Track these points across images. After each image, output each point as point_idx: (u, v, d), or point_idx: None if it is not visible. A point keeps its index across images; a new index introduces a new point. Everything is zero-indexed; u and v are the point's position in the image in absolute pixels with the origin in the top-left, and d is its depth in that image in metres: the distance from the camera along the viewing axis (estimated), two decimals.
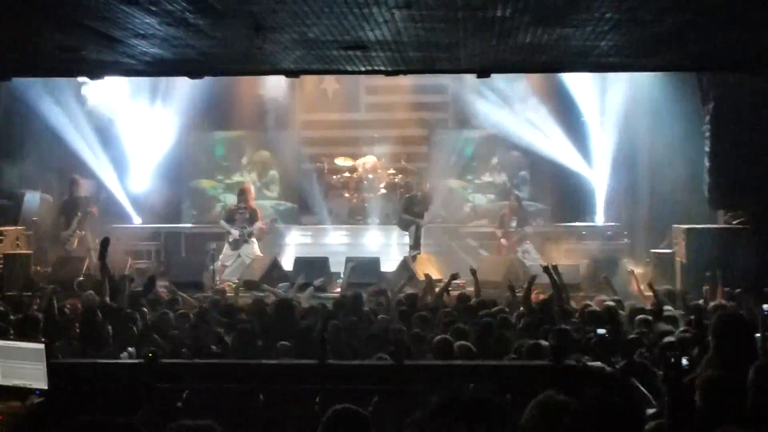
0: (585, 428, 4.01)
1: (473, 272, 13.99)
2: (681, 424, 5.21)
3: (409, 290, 13.96)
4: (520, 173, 21.55)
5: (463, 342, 9.09)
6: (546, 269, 13.04)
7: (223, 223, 18.65)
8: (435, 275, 16.65)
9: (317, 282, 15.39)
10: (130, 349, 9.58)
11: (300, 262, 17.65)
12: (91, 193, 19.51)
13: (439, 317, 11.12)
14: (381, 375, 8.36)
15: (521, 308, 11.82)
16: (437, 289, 13.49)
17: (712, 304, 11.67)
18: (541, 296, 13.23)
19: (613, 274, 15.23)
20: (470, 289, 14.22)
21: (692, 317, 10.06)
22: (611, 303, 11.77)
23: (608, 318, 10.70)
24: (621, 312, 11.35)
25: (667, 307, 11.46)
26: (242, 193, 18.80)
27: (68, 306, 12.05)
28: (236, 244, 18.28)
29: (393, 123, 22.33)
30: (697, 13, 9.76)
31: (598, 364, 8.19)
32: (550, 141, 20.43)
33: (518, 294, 13.05)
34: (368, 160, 22.06)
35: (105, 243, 12.03)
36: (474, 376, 7.98)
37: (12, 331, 9.86)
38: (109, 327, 10.08)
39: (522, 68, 14.90)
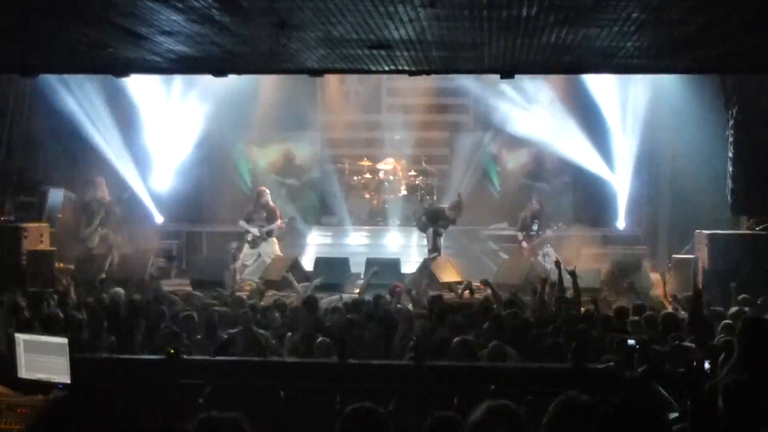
0: (607, 430, 3.99)
1: (486, 283, 13.96)
2: (703, 428, 5.18)
3: (431, 292, 14.06)
4: (542, 176, 21.39)
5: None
6: (557, 263, 13.60)
7: (242, 223, 18.67)
8: (455, 278, 16.68)
9: (316, 282, 15.38)
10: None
11: (320, 263, 17.67)
12: (113, 193, 19.53)
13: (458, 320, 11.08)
14: (401, 375, 8.38)
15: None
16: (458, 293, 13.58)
17: (732, 310, 11.63)
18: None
19: (635, 278, 15.17)
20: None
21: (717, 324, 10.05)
22: (621, 306, 11.74)
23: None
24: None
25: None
26: (259, 195, 18.82)
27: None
28: (255, 243, 18.31)
29: (414, 125, 22.34)
30: (724, 14, 9.68)
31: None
32: (572, 143, 20.36)
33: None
34: (389, 162, 22.05)
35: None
36: (495, 378, 7.98)
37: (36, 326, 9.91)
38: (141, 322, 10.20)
39: (546, 69, 14.82)
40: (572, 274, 12.99)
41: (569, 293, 12.98)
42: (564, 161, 20.57)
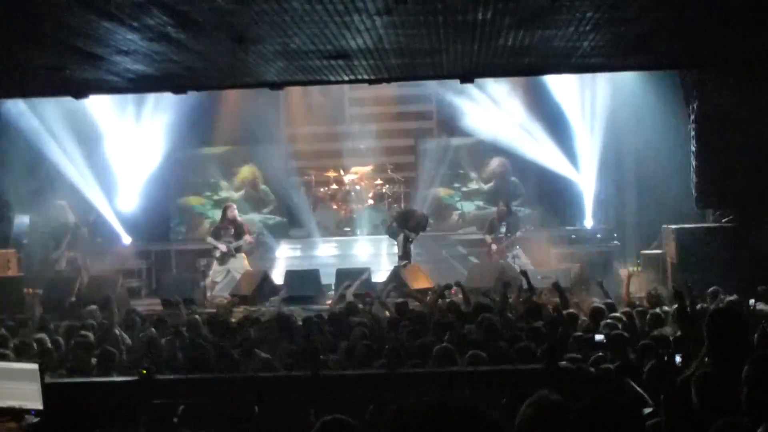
0: (581, 429, 3.97)
1: (459, 285, 14.08)
2: (677, 422, 5.19)
3: (397, 297, 14.10)
4: (510, 180, 21.55)
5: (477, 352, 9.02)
6: (523, 273, 13.72)
7: (210, 239, 18.61)
8: (426, 284, 16.69)
9: (283, 294, 15.39)
10: None
11: (291, 275, 17.62)
12: (80, 215, 19.41)
13: (429, 324, 11.08)
14: (376, 384, 8.33)
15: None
16: (428, 298, 13.58)
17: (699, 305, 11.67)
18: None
19: (605, 277, 15.22)
20: (461, 297, 14.15)
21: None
22: (601, 305, 11.72)
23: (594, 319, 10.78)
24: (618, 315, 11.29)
25: (662, 309, 11.45)
26: (225, 210, 18.79)
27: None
28: (224, 259, 18.25)
29: (378, 134, 22.41)
30: (678, 11, 9.76)
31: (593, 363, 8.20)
32: (536, 146, 20.46)
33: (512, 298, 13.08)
34: (355, 172, 22.06)
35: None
36: (469, 382, 7.96)
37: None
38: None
39: (505, 71, 14.91)
40: (523, 273, 13.53)
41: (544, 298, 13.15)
42: (529, 163, 20.65)
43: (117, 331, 11.32)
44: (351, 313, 12.50)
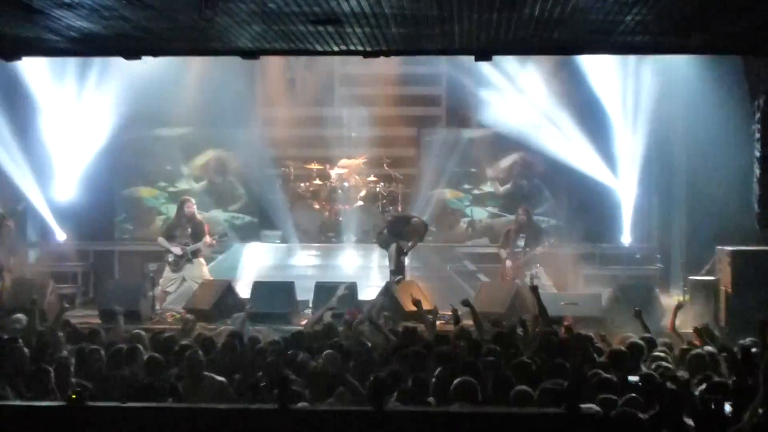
0: None
1: (467, 304, 13.95)
2: None
3: (388, 320, 14.16)
4: (531, 182, 21.55)
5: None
6: (533, 288, 13.88)
7: (161, 240, 18.53)
8: (423, 305, 16.58)
9: (249, 310, 15.31)
10: None
11: (259, 288, 17.49)
12: (5, 205, 19.33)
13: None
14: (357, 423, 8.27)
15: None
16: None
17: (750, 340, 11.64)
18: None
19: (644, 305, 15.16)
20: (468, 322, 14.08)
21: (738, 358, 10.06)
22: (640, 341, 11.68)
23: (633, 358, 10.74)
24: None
25: (708, 348, 11.41)
26: (182, 205, 18.73)
27: None
28: (178, 265, 18.16)
29: (374, 120, 22.36)
30: None
31: (622, 410, 8.15)
32: (566, 142, 20.47)
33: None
34: (343, 165, 22.02)
35: None
36: (474, 425, 7.91)
37: None
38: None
39: (530, 49, 14.88)
40: (533, 290, 13.64)
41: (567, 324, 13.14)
42: (557, 163, 20.64)
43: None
44: (328, 336, 12.50)
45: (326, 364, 10.48)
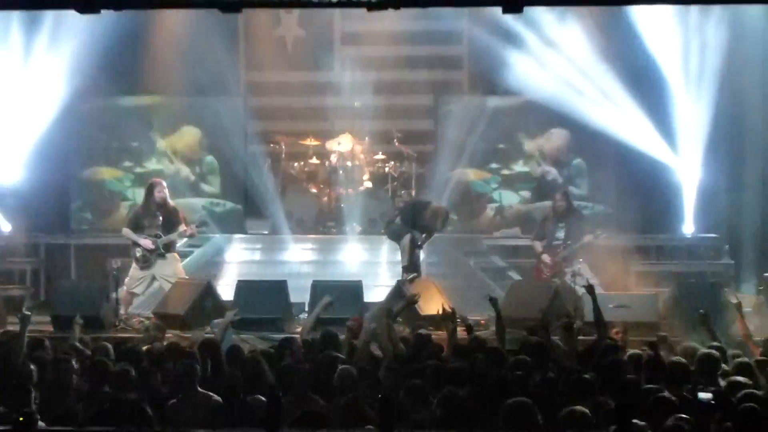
0: None
1: (493, 302, 13.78)
2: None
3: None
4: (572, 161, 21.52)
5: None
6: (589, 289, 13.57)
7: (127, 231, 18.34)
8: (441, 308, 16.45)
9: (230, 315, 15.10)
10: None
11: (245, 288, 17.39)
12: None
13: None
14: None
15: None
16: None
17: None
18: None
19: (711, 308, 15.03)
20: (493, 329, 13.98)
21: None
22: (709, 351, 11.53)
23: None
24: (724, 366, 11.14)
25: None
26: (151, 189, 18.53)
27: None
28: (147, 261, 17.99)
29: (382, 87, 22.37)
30: None
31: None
32: (614, 112, 20.37)
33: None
34: (345, 142, 21.94)
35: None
36: None
37: None
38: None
39: None
40: (589, 289, 13.42)
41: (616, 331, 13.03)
42: (603, 137, 20.51)
43: None
44: (327, 346, 12.36)
45: (340, 383, 10.33)
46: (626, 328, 13.82)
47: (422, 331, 14.00)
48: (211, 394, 10.28)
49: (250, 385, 10.57)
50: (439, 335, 13.76)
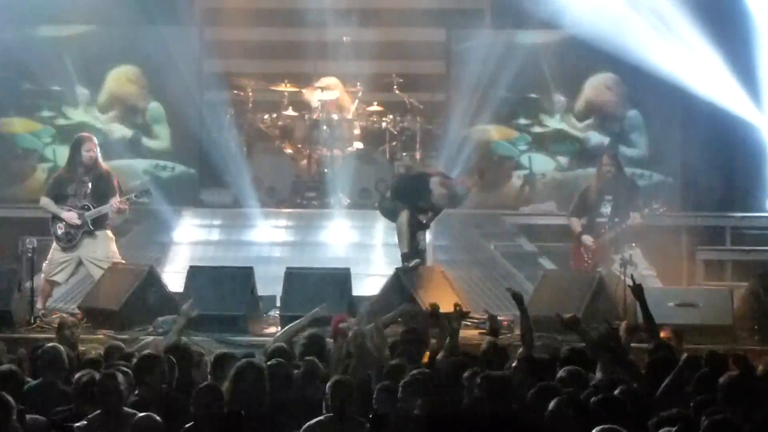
0: None
1: (517, 298, 13.86)
2: None
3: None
4: (625, 115, 21.68)
5: None
6: (636, 290, 13.22)
7: (46, 201, 18.43)
8: (452, 304, 16.59)
9: (186, 309, 15.18)
10: None
11: (199, 276, 17.52)
12: None
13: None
14: None
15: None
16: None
17: None
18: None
19: None
20: (518, 331, 14.12)
21: None
22: None
23: None
24: None
25: None
26: (77, 147, 18.60)
27: None
28: (71, 240, 18.07)
29: (378, 17, 22.62)
30: None
31: None
32: (683, 57, 20.47)
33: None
34: (331, 88, 22.10)
35: None
36: None
37: None
38: None
39: None
40: (636, 292, 13.14)
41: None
42: (664, 85, 20.65)
43: None
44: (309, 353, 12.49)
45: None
46: (680, 333, 13.84)
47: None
48: (135, 412, 10.31)
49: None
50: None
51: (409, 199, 17.75)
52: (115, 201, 17.85)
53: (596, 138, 21.49)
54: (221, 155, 21.71)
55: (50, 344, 12.55)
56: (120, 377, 10.72)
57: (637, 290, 13.32)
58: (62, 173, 18.53)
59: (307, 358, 11.73)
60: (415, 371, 10.84)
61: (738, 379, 10.16)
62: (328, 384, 10.22)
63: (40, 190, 19.54)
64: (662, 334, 13.50)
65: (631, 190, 18.93)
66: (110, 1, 21.61)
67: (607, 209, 18.47)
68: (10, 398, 9.27)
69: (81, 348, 13.54)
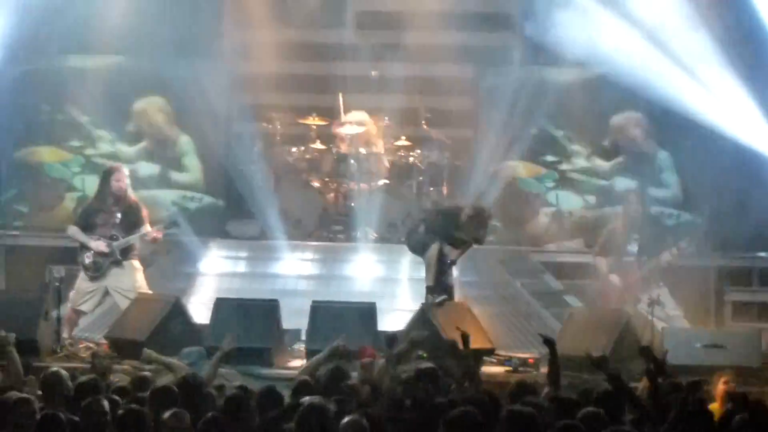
0: None
1: (550, 344, 13.71)
2: None
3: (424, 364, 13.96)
4: (655, 155, 21.59)
5: None
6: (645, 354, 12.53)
7: (75, 230, 18.38)
8: (480, 342, 16.49)
9: (229, 340, 15.08)
10: None
11: (225, 308, 17.48)
12: None
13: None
14: None
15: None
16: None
17: None
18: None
19: None
20: (543, 370, 14.13)
21: None
22: None
23: None
24: None
25: None
26: (107, 177, 18.53)
27: None
28: (98, 270, 18.01)
29: (408, 52, 22.44)
30: None
31: None
32: (712, 95, 20.35)
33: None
34: (359, 122, 22.03)
35: None
36: None
37: None
38: None
39: None
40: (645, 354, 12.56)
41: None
42: (693, 124, 20.54)
43: None
44: (335, 389, 12.33)
45: None
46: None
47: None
48: None
49: None
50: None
51: (442, 232, 17.73)
52: (151, 230, 17.91)
53: (624, 181, 21.30)
54: (249, 187, 21.67)
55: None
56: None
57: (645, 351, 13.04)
58: (92, 203, 18.60)
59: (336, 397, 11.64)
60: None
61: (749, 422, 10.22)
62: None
63: (68, 219, 19.54)
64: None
65: (659, 229, 18.94)
66: (140, 32, 21.60)
67: (634, 248, 18.41)
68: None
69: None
